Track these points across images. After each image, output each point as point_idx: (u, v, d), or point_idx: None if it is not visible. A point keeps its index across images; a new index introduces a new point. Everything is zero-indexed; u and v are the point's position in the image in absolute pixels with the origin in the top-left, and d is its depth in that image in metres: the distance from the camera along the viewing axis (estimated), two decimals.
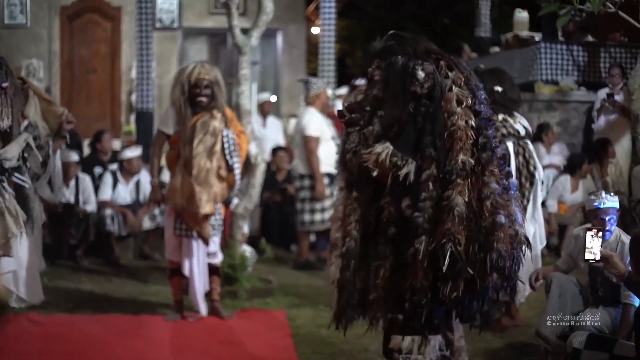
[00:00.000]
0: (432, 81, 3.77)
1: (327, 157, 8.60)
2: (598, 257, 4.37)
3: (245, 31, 7.96)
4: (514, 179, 3.96)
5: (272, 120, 11.66)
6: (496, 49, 13.91)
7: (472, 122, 3.76)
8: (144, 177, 9.75)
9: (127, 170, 9.65)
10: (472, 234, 3.64)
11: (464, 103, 3.78)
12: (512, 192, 3.87)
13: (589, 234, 4.37)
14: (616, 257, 4.46)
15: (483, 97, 3.92)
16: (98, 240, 9.37)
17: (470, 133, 3.73)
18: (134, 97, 14.12)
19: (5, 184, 5.55)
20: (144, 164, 10.07)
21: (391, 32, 4.12)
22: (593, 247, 4.37)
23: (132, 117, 13.98)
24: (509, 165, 4.23)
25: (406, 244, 3.71)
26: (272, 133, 11.39)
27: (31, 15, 14.03)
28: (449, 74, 3.85)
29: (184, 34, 14.93)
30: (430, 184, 3.64)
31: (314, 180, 8.86)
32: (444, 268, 3.57)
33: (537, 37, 12.87)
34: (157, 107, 12.34)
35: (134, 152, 9.74)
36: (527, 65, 12.04)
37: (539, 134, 10.45)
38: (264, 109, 11.50)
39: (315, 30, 20.55)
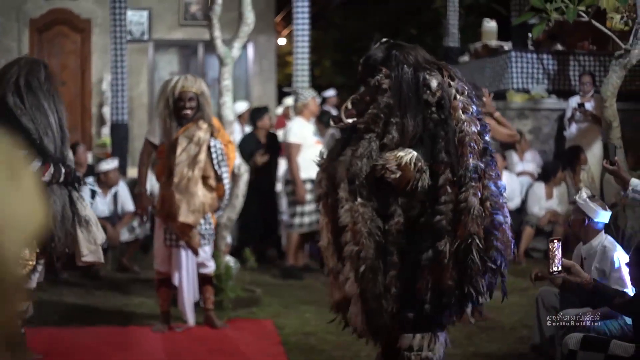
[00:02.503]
0: (442, 91, 3.87)
1: (311, 163, 8.83)
2: (560, 268, 4.18)
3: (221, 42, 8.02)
4: (502, 182, 4.09)
5: (249, 129, 11.72)
6: (465, 58, 14.07)
7: (477, 129, 3.89)
8: (122, 189, 9.76)
9: (105, 182, 9.63)
10: None
11: (470, 111, 3.89)
12: (503, 193, 4.02)
13: (554, 244, 4.19)
14: (577, 266, 4.39)
15: (477, 103, 4.05)
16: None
17: (478, 139, 3.86)
18: (105, 109, 14.07)
19: (82, 194, 5.57)
20: (121, 176, 10.09)
21: (385, 39, 4.20)
22: (556, 257, 4.17)
23: (103, 130, 13.92)
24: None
25: (416, 248, 3.81)
26: None
27: (0, 27, 13.97)
28: (451, 83, 3.96)
29: (155, 46, 14.92)
30: (448, 187, 3.76)
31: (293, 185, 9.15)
32: (477, 267, 3.72)
33: (506, 46, 13.05)
34: (129, 119, 12.31)
35: (110, 165, 9.73)
36: (498, 74, 12.20)
37: (512, 142, 10.59)
38: (243, 119, 11.56)
39: (281, 41, 20.62)
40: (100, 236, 5.49)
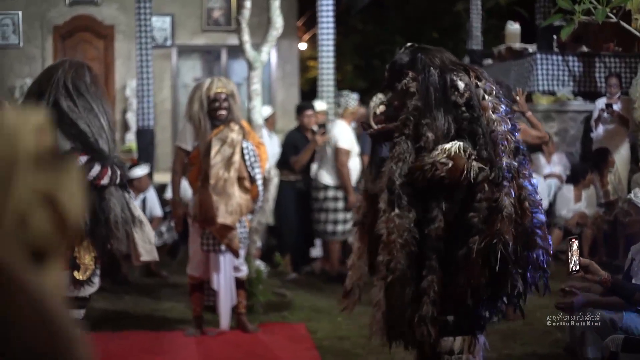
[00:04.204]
0: (470, 91, 3.86)
1: (354, 171, 8.83)
2: (578, 267, 4.18)
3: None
4: (534, 180, 4.07)
5: (273, 134, 11.69)
6: (489, 61, 14.04)
7: (508, 128, 3.86)
8: (150, 194, 9.79)
9: (137, 187, 9.65)
10: (518, 235, 3.75)
11: (499, 111, 3.87)
12: (537, 191, 4.00)
13: (573, 243, 4.18)
14: (595, 264, 4.35)
15: (507, 103, 4.03)
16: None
17: (510, 137, 3.84)
18: (129, 115, 14.13)
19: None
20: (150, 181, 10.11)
21: (409, 44, 4.20)
22: (575, 257, 4.17)
23: (127, 136, 13.97)
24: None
25: (455, 249, 3.79)
26: (275, 146, 11.39)
27: (24, 35, 14.01)
28: (479, 83, 3.94)
29: (178, 52, 14.96)
30: (486, 185, 3.72)
31: (344, 192, 8.99)
32: (497, 267, 3.67)
33: (530, 48, 13.02)
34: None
35: (144, 171, 9.77)
36: (523, 77, 12.16)
37: (539, 145, 10.55)
38: (269, 123, 11.51)
39: (302, 46, 20.63)
40: (152, 235, 5.50)
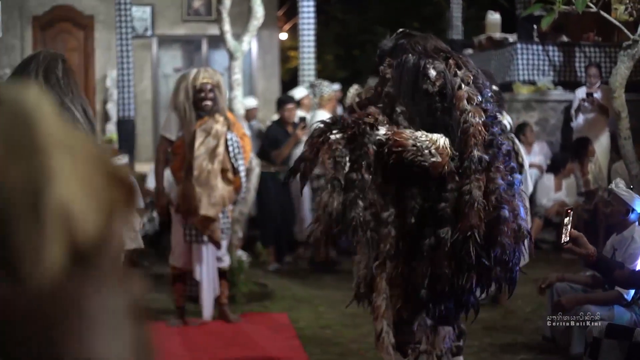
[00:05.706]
0: (443, 79, 3.83)
1: None
2: (568, 238, 4.11)
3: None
4: (518, 175, 4.04)
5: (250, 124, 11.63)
6: (469, 50, 14.04)
7: (482, 120, 3.83)
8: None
9: None
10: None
11: (474, 101, 3.84)
12: (517, 187, 3.96)
13: (569, 214, 4.10)
14: (584, 238, 4.35)
15: (489, 95, 3.99)
16: None
17: (483, 130, 3.80)
18: (109, 106, 14.06)
19: None
20: (130, 172, 10.07)
21: (400, 30, 4.19)
22: (568, 228, 4.08)
23: (108, 126, 13.90)
24: (513, 161, 4.28)
25: (418, 234, 3.80)
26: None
27: (2, 25, 13.86)
28: (458, 72, 3.90)
29: (158, 42, 14.89)
30: (456, 175, 3.72)
31: None
32: (474, 260, 3.65)
33: (511, 38, 13.04)
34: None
35: (121, 161, 9.72)
36: (503, 66, 12.20)
37: (519, 134, 10.59)
38: (252, 114, 11.45)
39: (282, 36, 20.59)
40: (138, 222, 5.47)
